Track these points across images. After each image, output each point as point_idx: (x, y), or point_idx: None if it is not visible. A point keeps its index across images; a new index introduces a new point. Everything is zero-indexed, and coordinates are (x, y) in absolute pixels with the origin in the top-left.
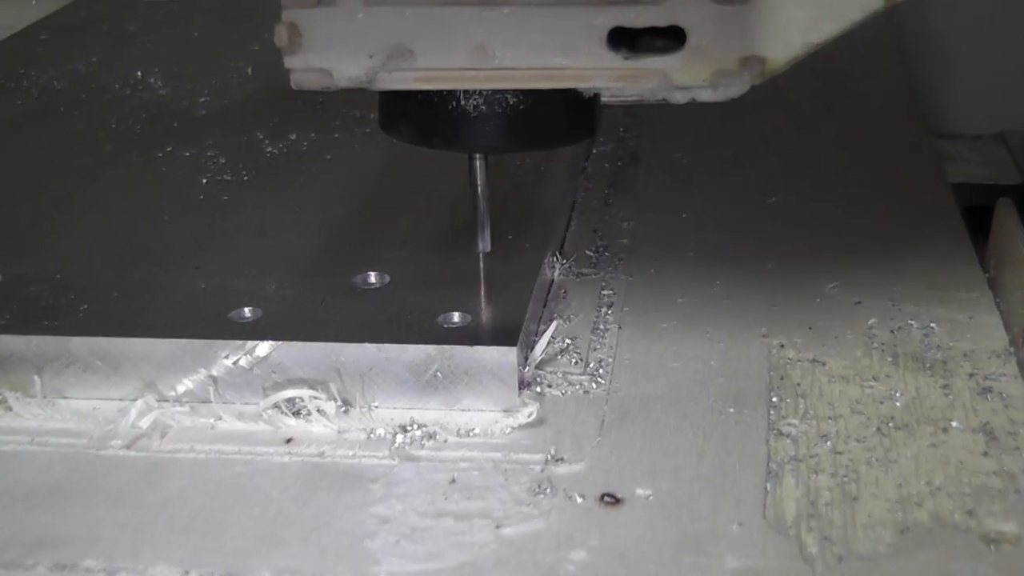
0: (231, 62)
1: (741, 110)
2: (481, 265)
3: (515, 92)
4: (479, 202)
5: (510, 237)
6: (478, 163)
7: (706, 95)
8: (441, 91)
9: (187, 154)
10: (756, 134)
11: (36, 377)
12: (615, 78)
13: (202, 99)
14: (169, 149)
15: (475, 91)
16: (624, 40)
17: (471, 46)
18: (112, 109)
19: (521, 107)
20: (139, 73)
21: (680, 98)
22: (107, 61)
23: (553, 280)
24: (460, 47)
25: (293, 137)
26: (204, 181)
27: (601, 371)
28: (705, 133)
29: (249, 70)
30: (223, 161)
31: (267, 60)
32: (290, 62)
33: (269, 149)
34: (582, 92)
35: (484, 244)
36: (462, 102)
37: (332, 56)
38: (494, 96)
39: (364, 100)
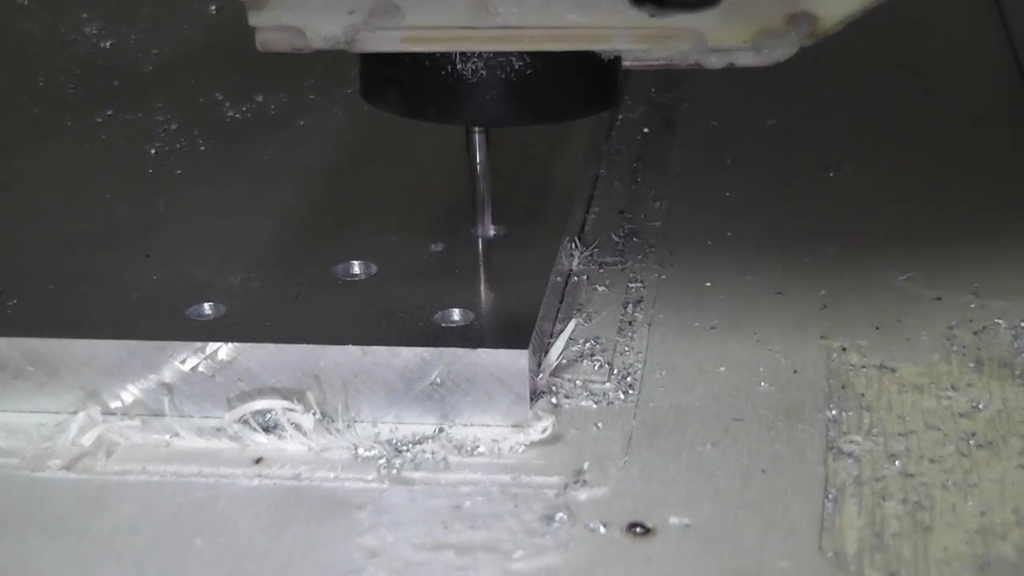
0: (185, 7)
1: (794, 66)
2: (486, 253)
3: (521, 55)
4: (478, 182)
5: (520, 220)
6: (477, 137)
7: (747, 59)
8: (434, 54)
9: (132, 118)
10: (813, 94)
11: None
12: (639, 39)
13: (151, 52)
14: (110, 113)
15: (474, 54)
16: None
17: (469, 0)
18: (40, 63)
19: (528, 73)
20: (75, 19)
21: (716, 62)
22: (35, 4)
23: (571, 271)
24: (456, 2)
25: (259, 99)
26: (153, 152)
27: (628, 379)
28: (751, 95)
29: (212, 9)
30: (175, 127)
31: (227, 5)
32: (255, 19)
33: (230, 113)
34: (600, 55)
35: (484, 229)
36: (458, 67)
37: (305, 12)
38: (496, 60)
39: (344, 55)
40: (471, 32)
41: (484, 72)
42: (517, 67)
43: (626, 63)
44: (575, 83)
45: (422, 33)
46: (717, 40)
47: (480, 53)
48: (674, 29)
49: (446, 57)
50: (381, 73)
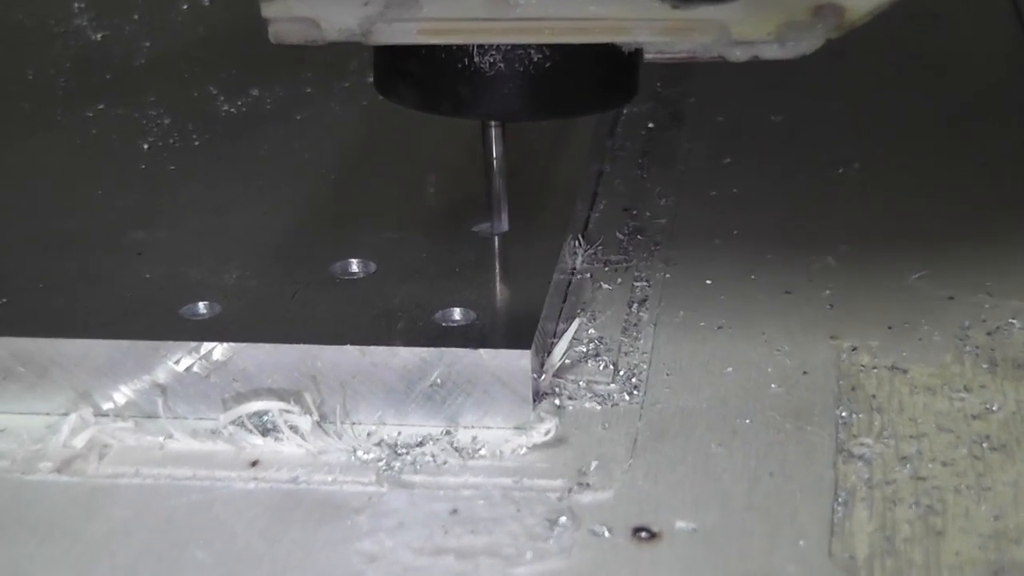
0: None
1: (802, 62)
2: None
3: (540, 48)
4: (494, 179)
5: (523, 218)
6: (493, 132)
7: (771, 51)
8: (451, 46)
9: (124, 113)
10: (823, 88)
11: None
12: (662, 31)
13: (143, 45)
14: (101, 107)
15: (492, 46)
16: None
17: None
18: (30, 56)
19: (547, 66)
20: (66, 10)
21: (740, 55)
22: None
23: (575, 269)
24: None
25: (255, 93)
26: (146, 147)
27: (634, 380)
28: (759, 90)
29: (205, 0)
30: (168, 122)
31: None
32: (268, 10)
33: (225, 107)
34: (621, 48)
35: (499, 225)
36: (476, 59)
37: (320, 3)
38: (514, 52)
39: (343, 46)
40: (490, 24)
41: (502, 65)
42: (536, 60)
43: (648, 56)
44: (595, 77)
45: (439, 25)
46: (741, 32)
47: (498, 46)
48: (697, 21)
49: (463, 50)
50: (396, 66)
